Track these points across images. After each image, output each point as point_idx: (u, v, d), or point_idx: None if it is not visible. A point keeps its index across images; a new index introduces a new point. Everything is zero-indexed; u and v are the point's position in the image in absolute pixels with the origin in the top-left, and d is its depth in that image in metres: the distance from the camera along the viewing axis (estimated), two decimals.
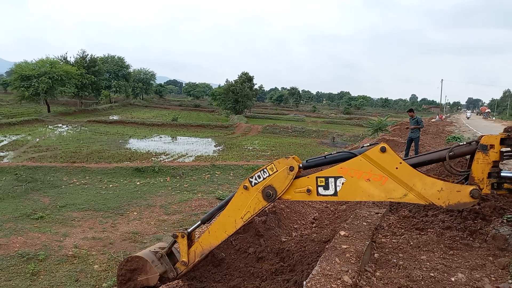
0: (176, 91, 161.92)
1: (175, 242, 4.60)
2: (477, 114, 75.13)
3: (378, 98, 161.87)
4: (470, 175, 3.87)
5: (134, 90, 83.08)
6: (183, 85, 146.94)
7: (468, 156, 4.12)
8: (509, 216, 5.31)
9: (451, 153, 4.00)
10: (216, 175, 14.35)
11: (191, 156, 19.37)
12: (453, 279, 3.57)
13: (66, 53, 54.36)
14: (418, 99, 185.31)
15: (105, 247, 7.13)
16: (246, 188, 4.18)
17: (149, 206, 9.97)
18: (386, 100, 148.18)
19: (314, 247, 5.32)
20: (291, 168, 3.99)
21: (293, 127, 36.75)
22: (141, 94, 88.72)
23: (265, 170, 4.13)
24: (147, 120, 40.87)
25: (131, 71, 79.73)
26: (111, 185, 12.21)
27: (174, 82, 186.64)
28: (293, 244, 5.79)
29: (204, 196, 11.25)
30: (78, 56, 55.58)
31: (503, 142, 3.91)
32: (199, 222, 4.70)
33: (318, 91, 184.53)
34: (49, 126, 31.86)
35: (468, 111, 77.23)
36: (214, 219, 4.75)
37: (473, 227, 5.05)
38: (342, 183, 3.88)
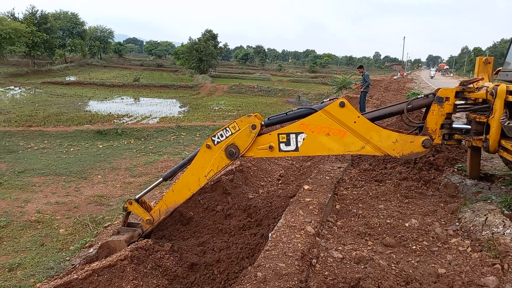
0: (137, 50, 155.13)
1: (128, 213, 4.62)
2: (436, 71, 68.93)
3: (342, 56, 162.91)
4: (424, 126, 4.08)
5: (91, 49, 78.57)
6: (144, 43, 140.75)
7: (424, 109, 4.32)
8: (460, 165, 5.69)
9: (409, 106, 4.17)
10: (182, 136, 14.20)
11: (155, 118, 18.95)
12: (407, 225, 3.84)
13: (14, 9, 50.24)
14: (381, 57, 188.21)
15: (69, 211, 7.01)
16: (209, 147, 4.20)
17: (113, 169, 9.79)
18: (351, 58, 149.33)
19: (280, 202, 5.49)
20: (253, 126, 4.04)
21: (259, 87, 36.54)
22: (99, 54, 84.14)
23: (227, 128, 4.15)
24: (107, 80, 39.14)
25: (87, 28, 75.05)
26: (72, 149, 11.82)
27: (134, 41, 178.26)
28: (260, 200, 5.95)
29: (170, 158, 11.16)
30: (27, 12, 51.47)
31: (457, 95, 4.11)
32: (157, 181, 4.71)
33: (284, 50, 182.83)
34: (0, 89, 29.87)
35: (432, 69, 69.45)
36: (176, 177, 4.78)
37: (427, 177, 5.38)
38: (303, 139, 3.98)
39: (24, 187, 8.18)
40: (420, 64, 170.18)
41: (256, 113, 4.24)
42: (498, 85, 3.97)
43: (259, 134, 4.14)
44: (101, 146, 12.38)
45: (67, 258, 5.25)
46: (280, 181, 7.91)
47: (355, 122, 3.91)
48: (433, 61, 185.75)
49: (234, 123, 4.16)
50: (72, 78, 42.43)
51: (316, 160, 8.05)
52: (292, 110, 4.35)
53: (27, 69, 47.57)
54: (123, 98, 28.36)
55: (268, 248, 3.02)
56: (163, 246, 4.44)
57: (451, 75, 74.16)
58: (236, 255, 4.41)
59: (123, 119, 17.99)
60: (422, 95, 4.32)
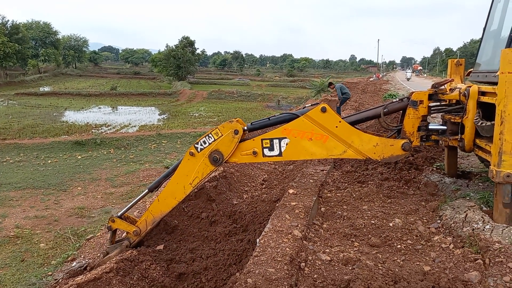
0: (113, 58, 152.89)
1: (114, 232, 4.57)
2: (412, 73, 64.95)
3: (320, 60, 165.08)
4: (402, 130, 4.20)
5: (65, 59, 77.03)
6: (120, 51, 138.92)
7: (401, 112, 4.44)
8: (438, 164, 5.86)
9: (385, 110, 4.29)
10: (163, 144, 14.06)
11: (134, 126, 18.71)
12: (391, 224, 3.92)
13: None
14: (357, 59, 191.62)
15: (50, 224, 6.82)
16: (192, 154, 4.20)
17: (94, 180, 9.60)
18: (327, 61, 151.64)
19: (264, 207, 5.52)
20: (236, 132, 4.06)
21: (238, 92, 36.60)
22: (74, 63, 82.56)
23: (210, 135, 4.17)
24: (83, 90, 38.39)
25: (60, 37, 73.52)
26: (49, 161, 11.52)
27: (109, 49, 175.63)
28: (244, 206, 5.95)
29: (152, 166, 11.03)
30: None
31: (430, 97, 4.26)
32: (142, 194, 4.68)
33: (261, 54, 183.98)
34: None
35: (408, 71, 65.97)
36: (161, 187, 4.75)
37: (407, 177, 5.52)
38: (286, 144, 4.04)
39: (0, 202, 7.92)
40: (394, 66, 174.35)
41: (238, 118, 4.27)
42: (470, 87, 4.13)
43: (242, 140, 4.17)
44: (79, 157, 12.11)
45: (49, 273, 5.10)
46: (264, 186, 7.93)
47: (336, 126, 3.99)
48: (407, 62, 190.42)
49: (217, 129, 4.17)
50: (47, 89, 41.46)
51: (298, 163, 8.12)
52: (274, 116, 4.40)
53: None
54: (100, 107, 27.89)
55: (257, 253, 3.04)
56: (152, 252, 4.39)
57: (425, 75, 76.12)
58: (223, 262, 4.40)
59: (101, 128, 17.68)
60: (397, 99, 4.45)
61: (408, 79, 51.36)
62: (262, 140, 4.12)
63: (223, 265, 4.36)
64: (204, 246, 4.92)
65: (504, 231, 3.45)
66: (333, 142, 4.01)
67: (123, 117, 22.85)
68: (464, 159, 6.28)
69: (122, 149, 13.29)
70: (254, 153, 4.11)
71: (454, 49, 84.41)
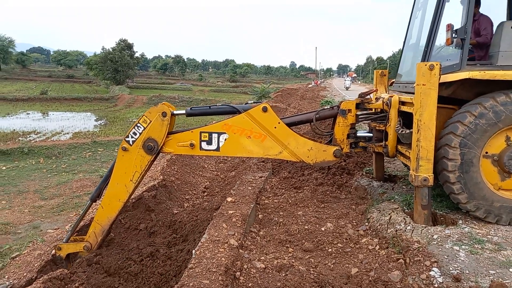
0: (43, 60, 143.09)
1: (67, 257, 4.31)
2: (351, 81, 55.68)
3: (261, 66, 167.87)
4: (333, 137, 4.43)
5: None
6: (51, 53, 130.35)
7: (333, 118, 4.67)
8: (367, 169, 6.25)
9: (317, 116, 4.50)
10: (99, 152, 13.41)
11: (67, 133, 17.64)
12: (323, 229, 4.11)
13: None
14: (297, 66, 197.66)
15: None
16: (125, 149, 4.06)
17: (20, 193, 8.89)
18: (269, 67, 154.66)
19: (205, 215, 5.49)
20: (164, 114, 3.99)
21: (180, 97, 36.03)
22: None
23: (138, 124, 4.05)
24: (9, 94, 35.44)
25: None
26: None
27: (39, 50, 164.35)
28: (185, 215, 5.88)
29: (86, 176, 10.47)
30: None
31: (358, 106, 4.55)
32: (86, 206, 4.45)
33: (203, 59, 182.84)
34: None
35: (347, 79, 57.27)
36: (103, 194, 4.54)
37: (340, 181, 5.81)
38: (225, 139, 4.07)
39: None
40: (332, 73, 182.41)
41: (164, 102, 4.20)
42: (392, 96, 4.47)
43: (181, 131, 4.11)
44: (4, 167, 11.16)
45: None
46: (206, 193, 7.89)
47: (275, 127, 4.09)
48: (343, 69, 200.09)
49: (144, 116, 4.05)
50: None
51: (240, 170, 8.19)
52: (215, 105, 4.41)
53: None
54: (29, 113, 25.92)
55: (192, 265, 3.02)
56: (87, 267, 4.18)
57: (359, 82, 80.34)
58: (163, 274, 4.31)
59: (30, 136, 16.44)
60: (328, 107, 4.69)
61: (347, 88, 44.39)
62: (201, 133, 4.08)
63: (164, 277, 4.27)
64: (143, 258, 4.78)
65: (423, 231, 3.78)
66: (270, 142, 4.10)
67: (55, 123, 21.45)
68: (390, 163, 6.76)
69: (53, 158, 12.46)
70: (192, 145, 4.07)
71: (385, 58, 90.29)
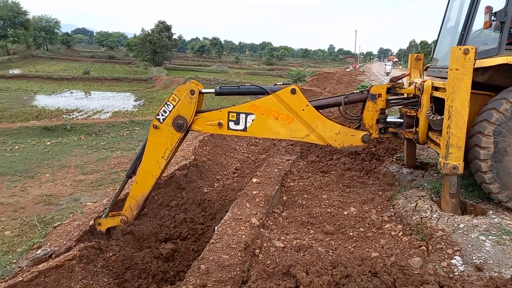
0: (87, 41, 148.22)
1: (108, 231, 4.56)
2: (392, 66, 48.51)
3: (298, 49, 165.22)
4: (362, 122, 4.36)
5: (36, 40, 74.13)
6: (94, 34, 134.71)
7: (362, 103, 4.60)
8: (398, 155, 6.12)
9: (346, 99, 4.43)
10: (136, 131, 13.91)
11: (107, 112, 18.37)
12: (345, 213, 4.12)
13: None
14: (336, 50, 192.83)
15: (15, 212, 6.73)
16: (156, 127, 4.19)
17: (63, 167, 9.45)
18: (306, 50, 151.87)
19: (234, 195, 5.62)
20: (192, 92, 4.06)
21: (215, 79, 36.33)
22: (45, 45, 79.56)
23: (168, 103, 4.16)
24: (55, 73, 37.17)
25: (30, 18, 70.58)
26: (16, 147, 11.23)
27: (83, 31, 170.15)
28: (214, 194, 6.05)
29: (123, 154, 10.93)
30: None
31: (388, 91, 4.43)
32: (123, 183, 4.67)
33: (240, 42, 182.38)
34: None
35: (388, 63, 51.53)
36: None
37: (368, 167, 5.74)
38: (252, 120, 4.10)
39: None
40: (372, 57, 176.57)
41: (192, 80, 4.28)
42: (425, 81, 4.33)
43: (209, 110, 4.19)
44: (48, 143, 11.86)
45: (14, 261, 5.09)
46: (236, 174, 8.03)
47: (303, 110, 4.07)
48: (384, 53, 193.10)
49: (173, 95, 4.15)
50: (16, 71, 39.89)
51: (270, 152, 8.26)
52: (244, 85, 4.45)
53: None
54: (72, 92, 27.15)
55: (213, 241, 3.15)
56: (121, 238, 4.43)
57: (400, 67, 77.20)
58: (190, 248, 4.50)
59: (72, 114, 17.29)
60: (358, 91, 4.61)
61: (387, 74, 39.68)
62: (229, 112, 4.13)
63: (191, 251, 4.46)
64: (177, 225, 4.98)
65: (449, 219, 3.70)
66: (297, 124, 4.08)
67: (96, 102, 22.37)
68: (424, 150, 6.57)
69: (93, 135, 13.07)
70: (219, 124, 4.13)
71: (429, 42, 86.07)
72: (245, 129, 4.14)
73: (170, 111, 4.14)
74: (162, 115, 4.17)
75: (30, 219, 6.41)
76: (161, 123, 4.18)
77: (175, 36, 61.21)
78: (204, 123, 4.19)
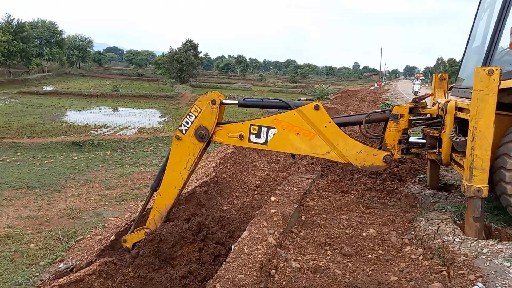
0: (117, 59, 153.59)
1: (133, 246, 4.57)
2: (420, 85, 41.36)
3: (323, 67, 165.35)
4: (383, 142, 4.29)
5: (69, 58, 77.68)
6: (124, 52, 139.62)
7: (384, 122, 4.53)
8: (421, 176, 5.96)
9: (367, 118, 4.38)
10: (160, 147, 14.21)
11: (133, 128, 18.88)
12: (364, 234, 4.03)
13: None
14: (361, 67, 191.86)
15: (41, 225, 6.94)
16: (179, 138, 4.24)
17: (88, 182, 9.73)
18: (331, 68, 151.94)
19: (253, 213, 5.59)
20: (213, 102, 4.11)
21: (239, 96, 36.74)
22: (78, 63, 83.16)
23: (190, 113, 4.20)
24: (85, 90, 38.67)
25: (65, 37, 74.17)
26: (46, 161, 11.68)
27: (114, 50, 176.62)
28: (234, 211, 6.04)
29: (146, 169, 11.16)
30: (3, 21, 50.63)
31: (411, 111, 4.36)
32: (148, 195, 4.73)
33: (265, 59, 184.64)
34: None
35: (417, 82, 44.21)
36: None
37: (390, 188, 5.62)
38: (274, 134, 4.09)
39: None
40: (397, 75, 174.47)
41: (214, 91, 4.31)
42: (448, 102, 4.24)
43: (231, 122, 4.23)
44: (76, 158, 12.27)
45: (37, 274, 5.21)
46: (256, 192, 8.01)
47: (325, 126, 4.03)
48: (410, 71, 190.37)
49: (195, 105, 4.19)
50: (49, 88, 41.79)
51: (290, 171, 8.22)
52: (268, 99, 4.47)
53: (2, 78, 46.52)
54: (101, 108, 28.11)
55: (229, 260, 3.15)
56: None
57: (427, 85, 75.59)
58: (207, 268, 4.49)
59: (100, 130, 17.86)
60: (380, 110, 4.55)
61: (416, 93, 33.32)
62: (251, 125, 4.13)
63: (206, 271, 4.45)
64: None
65: (472, 244, 3.55)
66: (319, 141, 4.04)
67: (123, 118, 23.04)
68: (448, 171, 6.38)
69: (118, 151, 13.44)
70: (241, 136, 4.13)
71: (458, 60, 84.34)
72: (265, 143, 4.13)
73: (192, 122, 4.19)
74: (185, 126, 4.22)
75: (54, 233, 6.59)
76: (184, 134, 4.23)
77: (201, 54, 62.70)
78: (225, 134, 4.22)
